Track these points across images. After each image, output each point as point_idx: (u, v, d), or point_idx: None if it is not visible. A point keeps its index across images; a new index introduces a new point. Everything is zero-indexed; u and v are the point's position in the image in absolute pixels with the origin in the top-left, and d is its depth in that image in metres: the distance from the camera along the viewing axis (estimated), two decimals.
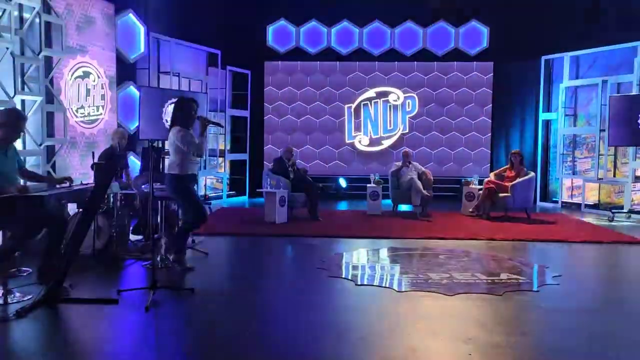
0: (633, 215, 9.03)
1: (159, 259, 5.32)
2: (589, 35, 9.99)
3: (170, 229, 5.68)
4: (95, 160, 5.66)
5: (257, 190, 8.91)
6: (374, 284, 4.97)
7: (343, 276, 5.19)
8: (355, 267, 5.66)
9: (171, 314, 4.08)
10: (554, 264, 5.82)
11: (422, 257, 6.13)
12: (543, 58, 11.07)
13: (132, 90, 8.64)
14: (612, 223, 8.62)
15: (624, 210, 9.19)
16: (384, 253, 6.35)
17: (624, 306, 4.40)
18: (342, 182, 8.72)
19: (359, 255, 6.19)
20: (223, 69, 11.16)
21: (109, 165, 4.12)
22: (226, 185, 11.47)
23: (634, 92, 9.20)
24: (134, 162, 8.42)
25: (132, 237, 6.11)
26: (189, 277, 5.02)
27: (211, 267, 5.49)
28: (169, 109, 8.95)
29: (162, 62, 9.67)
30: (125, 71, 8.52)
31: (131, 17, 8.46)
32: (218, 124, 5.58)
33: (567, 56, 10.48)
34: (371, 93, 12.34)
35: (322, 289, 4.74)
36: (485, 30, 12.02)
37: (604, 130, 9.64)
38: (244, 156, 11.92)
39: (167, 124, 5.20)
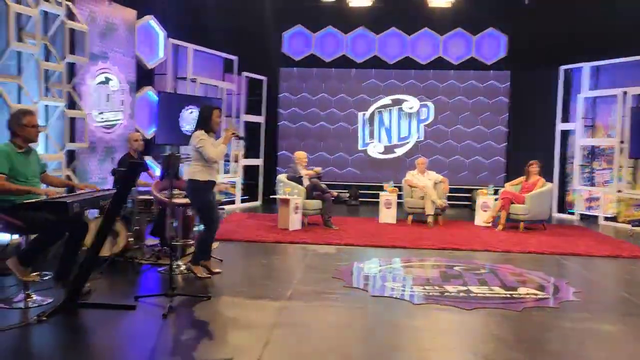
0: None
1: (175, 265, 5.33)
2: (609, 45, 9.88)
3: (187, 235, 5.69)
4: (115, 165, 5.69)
5: (271, 196, 8.90)
6: (389, 295, 4.92)
7: (358, 286, 5.16)
8: (369, 278, 5.62)
9: (188, 321, 4.08)
10: (573, 278, 5.74)
11: (438, 268, 6.07)
12: (562, 68, 10.97)
13: (151, 95, 8.69)
14: (631, 237, 8.49)
15: None
16: (398, 263, 6.31)
17: None
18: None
19: (374, 265, 6.15)
20: (239, 75, 11.20)
21: (130, 171, 4.12)
22: (240, 191, 11.48)
23: None
24: (152, 166, 8.46)
25: (148, 241, 6.13)
26: (206, 285, 5.01)
27: (227, 274, 5.47)
28: (185, 115, 9.05)
29: (179, 67, 9.73)
30: (144, 77, 8.58)
31: (151, 22, 8.52)
32: (242, 138, 5.73)
33: (586, 66, 10.38)
34: (386, 100, 12.32)
35: (337, 299, 4.71)
36: (503, 39, 11.96)
37: (623, 142, 9.52)
38: (258, 162, 11.93)
39: (186, 130, 5.21)
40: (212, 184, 5.13)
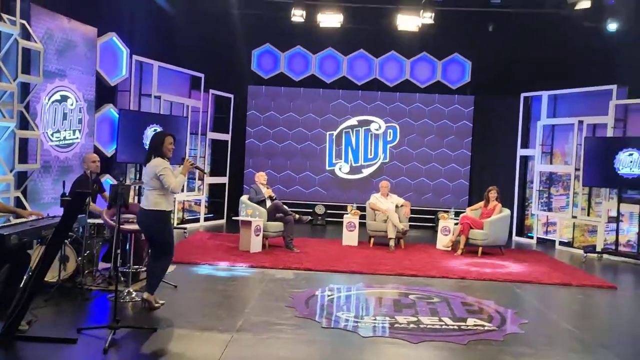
0: (605, 256, 9.15)
1: (125, 292, 5.27)
2: (567, 76, 10.20)
3: (140, 262, 5.63)
4: (67, 189, 5.62)
5: (233, 217, 8.88)
6: (340, 327, 4.95)
7: (310, 317, 5.17)
8: (323, 307, 5.63)
9: (130, 356, 4.03)
10: (522, 308, 5.86)
11: (392, 296, 6.13)
12: (522, 95, 11.26)
13: (112, 112, 8.61)
14: (584, 263, 8.71)
15: (597, 250, 9.30)
16: (355, 291, 6.35)
17: (588, 357, 4.43)
18: None
19: (329, 294, 6.17)
20: (206, 92, 11.18)
21: (75, 202, 4.07)
22: (204, 209, 11.42)
23: (609, 134, 9.38)
24: (110, 184, 8.37)
25: (101, 265, 6.05)
26: (155, 314, 4.96)
27: (178, 302, 5.43)
28: (149, 132, 8.98)
29: (144, 84, 9.67)
30: (105, 94, 8.51)
31: (114, 40, 8.47)
32: (202, 170, 5.72)
33: (545, 95, 10.67)
34: (353, 121, 12.44)
35: (287, 331, 4.71)
36: (467, 64, 12.21)
37: (579, 170, 9.80)
38: (224, 179, 11.89)
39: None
40: (170, 213, 5.11)
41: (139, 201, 7.64)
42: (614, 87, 9.40)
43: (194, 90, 11.10)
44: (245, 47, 12.20)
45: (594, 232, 9.78)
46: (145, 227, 5.03)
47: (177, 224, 10.29)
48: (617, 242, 9.17)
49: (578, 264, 8.61)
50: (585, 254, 9.15)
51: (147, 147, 5.12)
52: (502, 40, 11.32)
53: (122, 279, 5.48)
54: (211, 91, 11.33)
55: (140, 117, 9.02)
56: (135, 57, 9.16)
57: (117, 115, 8.60)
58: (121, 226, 5.16)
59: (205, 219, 11.36)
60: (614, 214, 9.30)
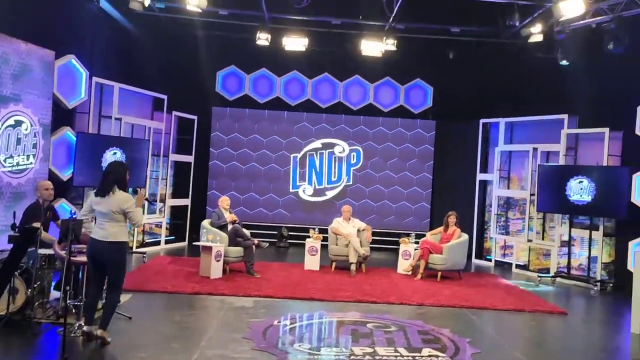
0: (558, 280, 9.41)
1: (76, 326, 5.17)
2: (523, 104, 10.54)
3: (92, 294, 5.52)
4: (17, 219, 5.50)
5: (194, 243, 8.82)
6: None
7: (267, 349, 5.16)
8: (281, 339, 5.62)
9: None
10: (475, 336, 5.98)
11: (351, 325, 6.17)
12: (481, 121, 11.57)
13: (69, 135, 8.48)
14: (538, 288, 8.93)
15: (550, 274, 9.57)
16: (313, 320, 6.37)
17: None
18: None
19: (288, 323, 6.18)
20: (169, 114, 11.11)
21: (25, 236, 4.00)
22: (165, 231, 11.28)
23: (561, 161, 9.72)
24: (67, 209, 8.21)
25: (52, 294, 5.90)
26: (107, 348, 4.86)
27: (132, 334, 5.34)
28: (108, 156, 8.88)
29: (105, 106, 9.56)
30: (63, 117, 8.39)
31: (73, 62, 8.37)
32: (149, 200, 5.68)
33: (502, 121, 10.99)
34: (317, 144, 12.54)
35: None
36: (429, 90, 12.50)
37: (534, 195, 10.09)
38: (186, 201, 11.79)
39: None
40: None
41: None
42: (565, 116, 9.77)
43: (157, 111, 11.03)
44: (210, 69, 12.21)
45: (548, 256, 10.07)
46: (105, 260, 4.93)
47: (137, 247, 10.15)
48: (569, 266, 9.46)
49: (532, 288, 8.82)
50: (539, 278, 9.39)
51: (106, 175, 5.03)
52: (462, 68, 11.65)
53: (73, 311, 5.37)
54: (174, 113, 11.27)
55: (99, 140, 8.92)
56: (95, 78, 9.07)
57: (75, 138, 8.48)
58: (73, 258, 5.08)
59: (166, 242, 11.23)
60: (566, 238, 9.60)
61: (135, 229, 4.96)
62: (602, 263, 9.17)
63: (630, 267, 8.35)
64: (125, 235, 4.95)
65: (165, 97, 10.94)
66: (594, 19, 8.52)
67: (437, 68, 12.11)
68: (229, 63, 12.43)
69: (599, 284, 8.80)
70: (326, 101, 12.59)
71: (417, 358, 5.14)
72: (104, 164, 8.73)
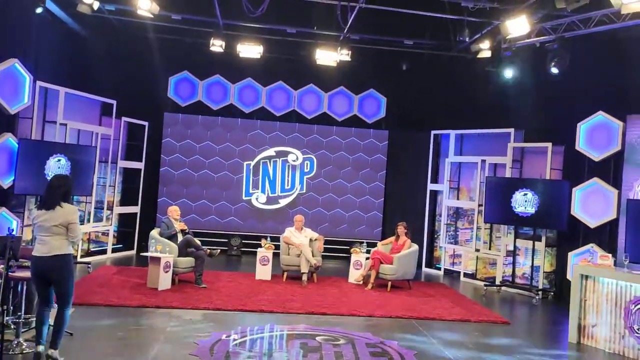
0: (503, 289, 9.71)
1: (15, 343, 4.97)
2: (472, 117, 10.81)
3: (32, 311, 5.33)
4: None
5: (142, 254, 8.62)
6: None
7: None
8: (228, 355, 5.56)
9: None
10: (423, 347, 6.09)
11: (300, 339, 6.16)
12: (432, 132, 11.81)
13: (11, 142, 8.15)
14: (484, 296, 9.18)
15: (496, 283, 9.86)
16: (263, 333, 6.33)
17: None
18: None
19: (235, 338, 6.12)
20: (118, 119, 10.84)
21: None
22: (112, 239, 10.98)
23: (508, 173, 10.03)
24: (7, 218, 7.89)
25: None
26: None
27: (72, 352, 5.16)
28: (52, 163, 8.58)
29: (50, 111, 9.24)
30: (4, 123, 8.06)
31: (16, 66, 8.06)
32: None
33: (452, 133, 11.26)
34: (271, 152, 12.50)
35: None
36: (382, 100, 12.67)
37: (482, 205, 10.38)
38: (135, 209, 11.52)
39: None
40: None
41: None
42: (511, 130, 10.11)
43: (105, 117, 10.74)
44: (162, 74, 12.00)
45: (494, 265, 10.37)
46: (50, 276, 4.76)
47: (82, 256, 9.85)
48: (513, 275, 9.77)
49: (479, 297, 9.07)
50: (485, 288, 9.66)
51: (53, 188, 4.87)
52: (414, 79, 11.87)
53: (12, 327, 5.16)
54: (124, 118, 11.01)
55: (43, 147, 8.61)
56: (39, 83, 8.75)
57: (17, 145, 8.16)
58: (12, 274, 4.88)
59: (114, 250, 10.93)
60: (511, 248, 9.92)
61: (76, 242, 4.77)
62: (544, 272, 9.52)
63: (569, 276, 8.71)
64: (68, 248, 4.80)
65: (114, 102, 10.66)
66: (538, 39, 8.86)
67: (391, 79, 12.30)
68: (182, 68, 12.25)
69: (540, 292, 9.12)
70: (280, 109, 12.58)
71: None
72: (48, 171, 8.45)
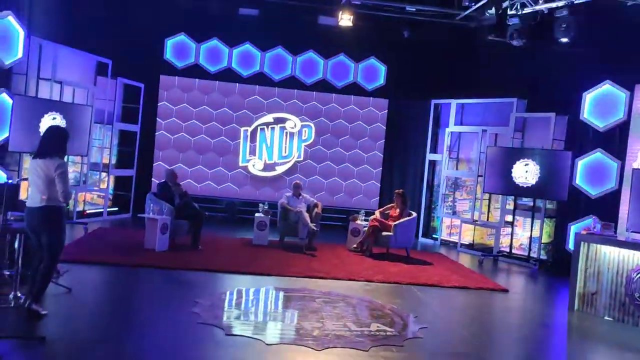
0: (500, 259, 9.71)
1: (11, 296, 4.88)
2: (474, 86, 10.65)
3: (28, 265, 5.22)
4: None
5: (139, 215, 8.51)
6: (244, 334, 4.87)
7: (214, 323, 5.05)
8: (228, 312, 5.52)
9: None
10: (423, 311, 6.08)
11: (299, 300, 6.12)
12: (433, 101, 11.66)
13: (4, 98, 7.94)
14: (481, 266, 9.18)
15: (493, 253, 9.86)
16: (261, 295, 6.28)
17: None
18: None
19: (235, 297, 6.07)
20: (114, 80, 10.60)
21: None
22: (108, 201, 10.85)
23: (509, 143, 9.94)
24: None
25: None
26: (43, 321, 4.62)
27: (72, 307, 5.11)
28: (46, 120, 8.38)
29: (44, 68, 8.99)
30: None
31: (9, 19, 7.79)
32: None
33: (453, 102, 11.12)
34: (269, 118, 12.32)
35: (188, 339, 4.56)
36: (383, 68, 12.47)
37: (481, 176, 10.32)
38: (131, 172, 11.36)
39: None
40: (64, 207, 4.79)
41: None
42: (514, 100, 9.98)
43: (101, 76, 10.49)
44: (159, 35, 11.72)
45: (492, 236, 10.36)
46: (37, 227, 4.67)
47: (77, 218, 9.72)
48: (511, 246, 9.77)
49: (476, 266, 9.07)
50: (482, 258, 9.65)
51: (49, 138, 4.72)
52: (416, 47, 11.64)
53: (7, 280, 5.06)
54: (119, 79, 10.76)
55: (38, 104, 8.40)
56: (34, 37, 8.49)
57: (11, 100, 7.95)
58: (9, 225, 4.76)
59: (109, 213, 10.81)
60: (509, 219, 9.89)
61: (63, 196, 4.62)
62: (542, 243, 9.52)
63: (568, 247, 8.71)
64: (57, 200, 4.66)
65: (109, 61, 10.41)
66: (546, 5, 8.66)
67: (392, 47, 12.07)
68: (179, 30, 11.95)
69: (537, 263, 9.13)
70: (279, 75, 12.35)
71: (365, 332, 5.16)
72: (42, 129, 8.25)
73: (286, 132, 12.38)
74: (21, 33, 8.01)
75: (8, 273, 5.01)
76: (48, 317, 4.68)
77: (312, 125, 12.40)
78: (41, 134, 5.46)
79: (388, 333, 5.23)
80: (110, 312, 5.11)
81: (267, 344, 4.63)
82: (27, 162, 8.30)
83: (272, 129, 12.36)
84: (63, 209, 4.72)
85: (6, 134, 7.88)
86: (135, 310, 5.26)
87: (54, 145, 4.72)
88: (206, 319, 5.13)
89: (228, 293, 6.13)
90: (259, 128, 12.30)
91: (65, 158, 4.81)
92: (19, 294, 4.97)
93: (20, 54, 8.06)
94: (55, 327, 4.52)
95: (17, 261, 5.02)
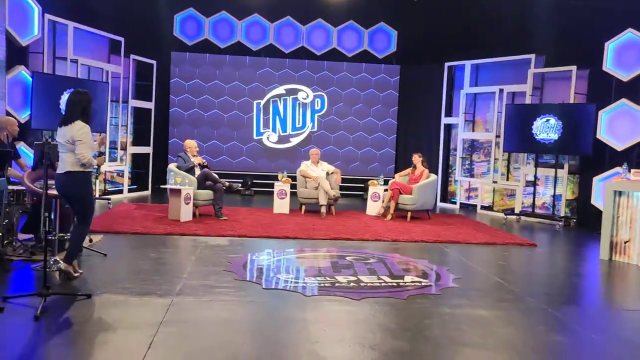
0: (523, 218, 9.69)
1: (52, 261, 4.93)
2: (489, 45, 10.51)
3: (66, 230, 5.27)
4: None
5: (162, 186, 8.54)
6: (281, 287, 4.92)
7: (250, 279, 5.10)
8: (261, 270, 5.57)
9: (64, 323, 3.78)
10: (453, 266, 6.10)
11: (329, 259, 6.16)
12: (446, 64, 11.55)
13: (24, 75, 7.95)
14: (504, 225, 9.18)
15: (516, 212, 9.84)
16: (291, 254, 6.33)
17: (518, 305, 4.69)
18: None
19: (266, 257, 6.11)
20: (127, 58, 10.58)
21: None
22: (127, 180, 10.90)
23: (527, 101, 9.86)
24: (26, 153, 7.77)
25: (21, 236, 5.63)
26: (86, 282, 4.69)
27: (110, 270, 5.17)
28: (65, 97, 8.38)
29: (59, 46, 8.98)
30: (16, 54, 7.82)
31: None
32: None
33: (468, 64, 11.02)
34: (280, 90, 12.29)
35: (229, 293, 4.61)
36: (393, 34, 12.36)
37: (499, 137, 10.26)
38: (148, 149, 11.39)
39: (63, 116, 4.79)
40: (91, 174, 4.80)
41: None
42: (532, 56, 9.85)
43: (113, 55, 10.47)
44: (167, 11, 11.65)
45: (512, 196, 10.34)
46: (65, 192, 4.71)
47: (99, 195, 9.78)
48: (533, 205, 9.74)
49: (499, 225, 9.07)
50: (505, 216, 9.64)
51: (70, 103, 4.71)
52: (426, 10, 11.48)
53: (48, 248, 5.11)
54: (132, 56, 10.73)
55: (56, 81, 8.41)
56: (47, 15, 8.46)
57: (31, 79, 7.95)
58: (48, 192, 4.80)
59: (129, 191, 10.87)
60: (531, 178, 9.85)
61: (82, 162, 4.60)
62: (566, 200, 9.48)
63: (594, 202, 8.68)
64: (80, 166, 4.62)
65: (122, 39, 10.39)
66: None
67: (401, 11, 11.95)
68: (187, 6, 11.89)
69: (562, 220, 9.10)
70: (289, 46, 12.28)
71: (400, 284, 5.19)
72: (62, 106, 8.27)
73: (299, 104, 12.34)
74: (36, 10, 7.99)
75: (49, 237, 5.05)
76: (91, 279, 4.74)
77: (324, 95, 12.36)
78: (62, 112, 5.50)
79: (423, 284, 5.26)
80: (149, 272, 5.16)
81: (305, 296, 4.67)
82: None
83: (285, 100, 12.33)
84: (88, 174, 4.71)
85: (28, 112, 7.90)
86: (171, 270, 5.30)
87: (75, 110, 4.70)
88: (242, 276, 5.18)
89: (258, 254, 6.17)
90: (271, 100, 12.27)
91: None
92: (58, 259, 5.03)
93: (36, 32, 8.04)
94: (100, 286, 4.58)
95: (55, 227, 5.07)
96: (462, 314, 4.37)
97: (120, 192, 10.62)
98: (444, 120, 11.67)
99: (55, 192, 4.82)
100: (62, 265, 4.72)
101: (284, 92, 12.31)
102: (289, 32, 12.31)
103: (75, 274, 4.75)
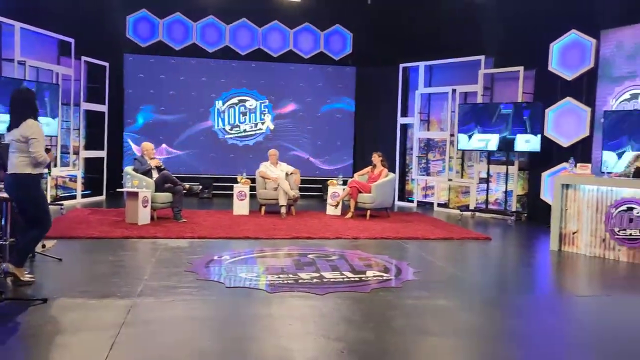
0: (477, 214, 9.97)
1: (3, 266, 4.75)
2: (441, 47, 10.76)
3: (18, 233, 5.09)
4: None
5: (118, 190, 8.36)
6: (245, 285, 4.90)
7: (212, 279, 5.06)
8: (224, 270, 5.53)
9: (20, 328, 3.65)
10: (413, 260, 6.21)
11: (291, 257, 6.18)
12: (401, 65, 11.77)
13: None
14: (460, 221, 9.42)
15: (470, 209, 10.11)
16: (252, 254, 6.30)
17: (476, 295, 4.83)
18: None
19: (228, 257, 6.07)
20: (77, 59, 10.30)
21: None
22: (81, 185, 10.59)
23: (479, 100, 10.15)
24: None
25: None
26: (41, 287, 4.54)
27: (66, 274, 5.03)
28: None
29: (5, 48, 8.67)
30: None
31: None
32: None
33: (422, 65, 11.25)
34: (237, 92, 12.23)
35: (192, 293, 4.56)
36: (349, 36, 12.51)
37: (453, 135, 10.52)
38: (102, 153, 11.10)
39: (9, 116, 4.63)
40: (41, 176, 4.65)
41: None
42: (482, 57, 10.17)
43: (63, 56, 10.18)
44: (120, 12, 11.43)
45: (467, 193, 10.61)
46: (12, 194, 4.56)
47: (51, 201, 9.46)
48: (487, 201, 10.03)
49: (455, 222, 9.30)
50: (461, 213, 9.90)
51: (15, 105, 4.56)
52: (380, 12, 11.69)
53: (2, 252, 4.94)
54: (83, 58, 10.46)
55: (3, 83, 8.10)
56: None
57: None
58: None
59: (83, 196, 10.56)
60: (484, 175, 10.15)
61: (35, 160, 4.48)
62: (517, 196, 9.80)
63: (543, 197, 9.01)
64: (30, 167, 4.49)
65: (72, 40, 10.11)
66: None
67: (356, 13, 12.11)
68: (140, 6, 11.69)
69: (514, 214, 9.41)
70: (245, 48, 12.25)
71: (363, 279, 5.25)
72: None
73: (255, 105, 12.31)
74: None
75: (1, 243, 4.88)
76: (47, 283, 4.60)
77: (280, 96, 12.37)
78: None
79: (385, 277, 5.34)
80: (108, 275, 5.05)
81: (269, 293, 4.67)
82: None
83: (242, 103, 12.27)
84: (37, 176, 4.55)
85: None
86: (131, 271, 5.20)
87: (24, 108, 4.55)
88: (204, 276, 5.13)
89: (219, 255, 6.12)
90: (227, 103, 12.20)
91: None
92: (9, 265, 4.84)
93: None
94: (58, 290, 4.44)
95: (6, 231, 4.89)
96: (423, 305, 4.47)
97: (74, 197, 10.31)
98: (400, 120, 11.87)
99: (5, 194, 4.65)
100: (10, 267, 4.54)
101: (241, 94, 12.26)
102: (245, 34, 12.28)
103: (24, 279, 4.58)
